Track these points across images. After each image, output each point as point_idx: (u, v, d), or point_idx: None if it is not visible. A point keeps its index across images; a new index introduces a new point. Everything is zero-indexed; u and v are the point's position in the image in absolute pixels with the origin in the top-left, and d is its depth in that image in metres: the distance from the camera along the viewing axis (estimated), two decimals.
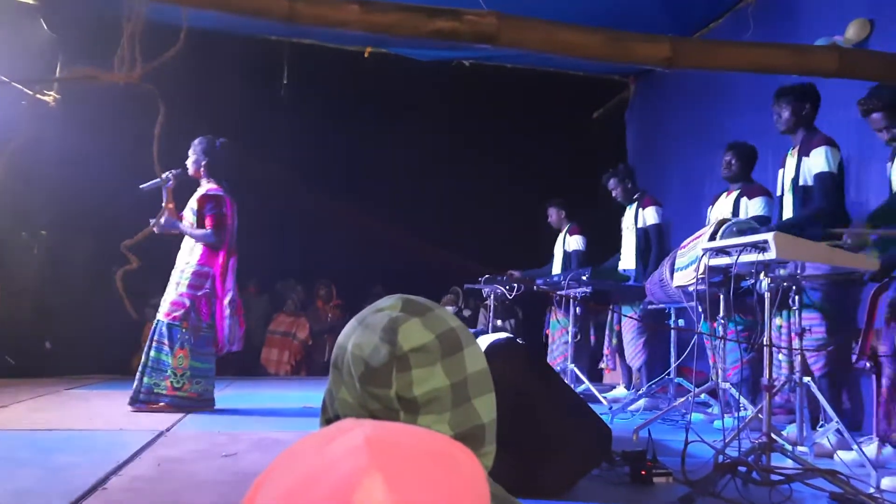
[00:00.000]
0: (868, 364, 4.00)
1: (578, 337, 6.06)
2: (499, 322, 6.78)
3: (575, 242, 6.75)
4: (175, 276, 4.78)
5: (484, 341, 2.84)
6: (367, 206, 8.11)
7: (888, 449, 3.41)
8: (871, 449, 3.39)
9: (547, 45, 2.15)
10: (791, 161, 4.21)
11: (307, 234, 8.14)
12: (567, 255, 6.76)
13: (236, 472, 2.97)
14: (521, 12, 2.15)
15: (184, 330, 4.63)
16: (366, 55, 7.78)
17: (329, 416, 1.05)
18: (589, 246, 6.75)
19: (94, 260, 6.98)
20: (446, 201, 8.38)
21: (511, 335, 3.07)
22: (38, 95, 6.41)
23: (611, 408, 5.03)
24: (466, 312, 8.55)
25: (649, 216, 5.95)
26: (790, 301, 3.45)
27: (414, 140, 8.23)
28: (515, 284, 6.20)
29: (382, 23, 1.91)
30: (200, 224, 4.78)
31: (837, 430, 3.35)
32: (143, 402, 4.58)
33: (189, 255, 4.78)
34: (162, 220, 4.70)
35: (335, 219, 7.92)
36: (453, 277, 8.05)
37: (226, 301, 4.74)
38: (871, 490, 2.78)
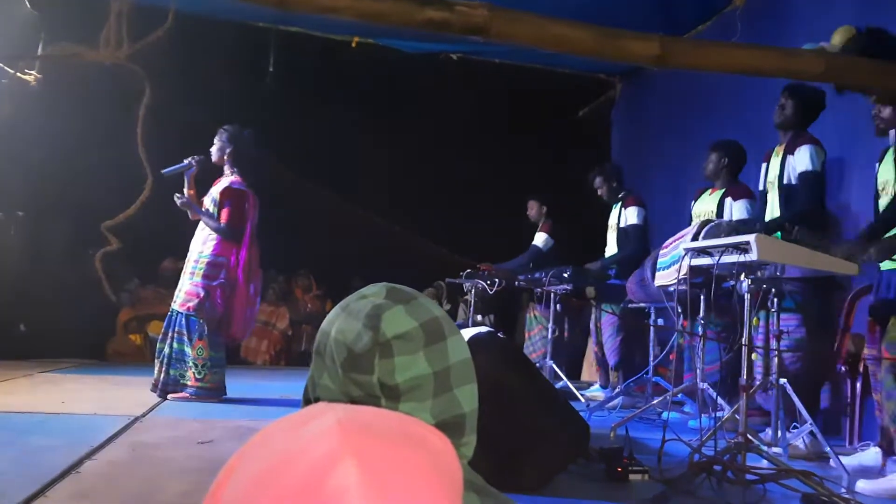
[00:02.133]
0: (844, 367, 4.04)
1: (556, 333, 6.07)
2: (479, 317, 6.78)
3: (540, 239, 6.75)
4: (189, 265, 4.75)
5: (465, 335, 2.83)
6: (350, 197, 8.07)
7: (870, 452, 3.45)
8: (868, 455, 3.41)
9: (537, 39, 2.14)
10: (776, 159, 4.22)
11: (289, 223, 8.09)
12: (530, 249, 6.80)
13: (211, 459, 2.95)
14: (513, 6, 2.15)
15: (201, 321, 4.60)
16: (353, 45, 7.75)
17: (310, 402, 1.04)
18: (561, 246, 6.73)
19: (71, 242, 6.90)
20: (429, 194, 8.35)
21: (492, 329, 3.08)
22: (19, 74, 6.32)
23: (588, 405, 5.05)
24: (446, 306, 8.55)
25: (630, 216, 5.96)
26: (769, 303, 3.48)
27: (399, 132, 8.20)
28: (496, 279, 6.21)
29: (374, 11, 1.89)
30: (218, 215, 4.77)
31: (811, 432, 3.38)
32: (172, 391, 4.59)
33: (202, 244, 4.74)
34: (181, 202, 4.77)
35: (317, 208, 7.88)
36: (435, 271, 8.03)
37: (251, 292, 4.74)
38: (843, 491, 2.81)
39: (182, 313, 4.64)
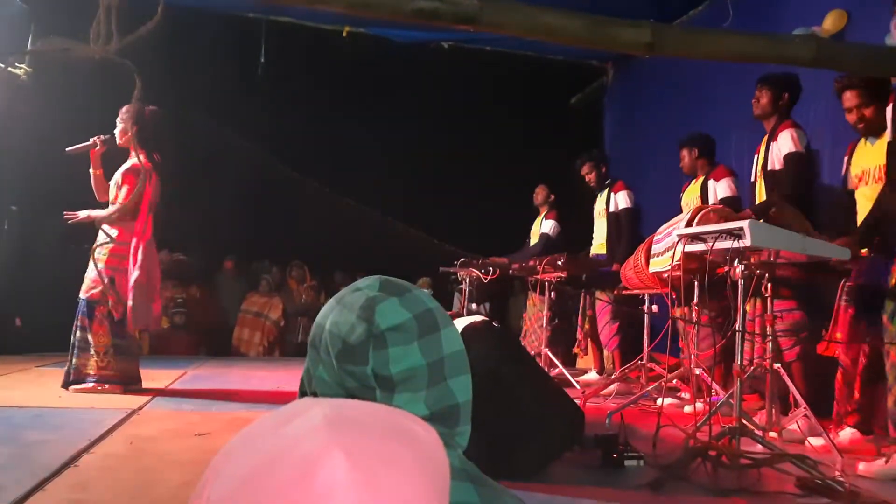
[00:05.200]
0: (837, 351, 4.05)
1: (556, 321, 6.09)
2: (473, 306, 6.79)
3: (548, 226, 6.74)
4: (95, 251, 4.63)
5: (460, 324, 2.84)
6: (343, 187, 8.08)
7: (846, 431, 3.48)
8: (844, 435, 3.44)
9: (528, 28, 2.14)
10: (762, 149, 4.30)
11: (282, 214, 8.09)
12: (540, 237, 6.76)
13: (209, 450, 2.96)
14: None
15: (102, 307, 4.51)
16: (344, 35, 7.72)
17: (306, 395, 1.05)
18: (562, 233, 6.74)
19: (65, 237, 6.88)
20: (421, 183, 8.36)
21: (487, 318, 3.09)
22: (10, 68, 6.29)
23: (584, 392, 5.07)
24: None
25: (621, 200, 5.98)
26: (763, 288, 3.49)
27: (391, 121, 8.20)
28: (491, 268, 6.21)
29: (363, 1, 1.89)
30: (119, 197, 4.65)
31: (805, 416, 3.40)
32: (74, 382, 4.48)
33: (108, 229, 4.64)
34: (80, 215, 4.66)
35: (310, 199, 7.88)
36: (429, 260, 8.05)
37: (132, 279, 4.54)
38: (837, 474, 2.83)
39: (84, 300, 4.55)
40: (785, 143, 4.13)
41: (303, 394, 1.06)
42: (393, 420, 0.79)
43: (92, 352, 4.50)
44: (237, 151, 7.68)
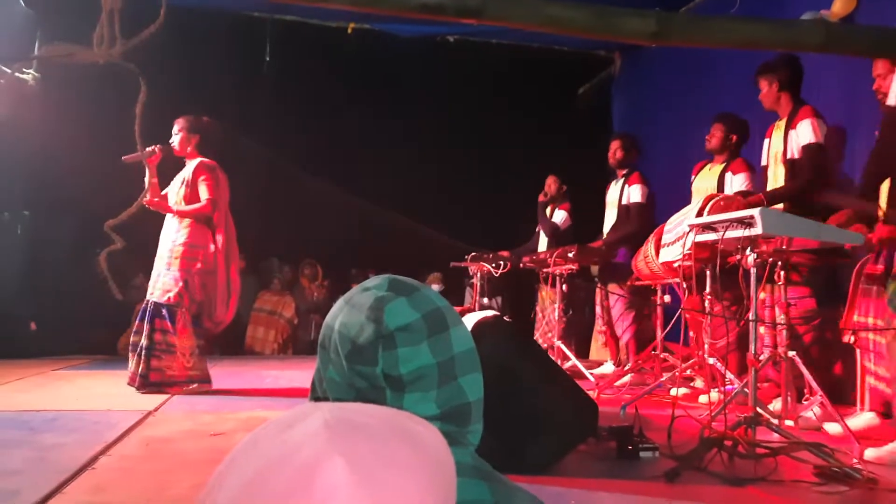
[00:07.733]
0: (851, 337, 4.03)
1: (570, 312, 6.06)
2: (485, 300, 6.78)
3: (559, 217, 6.68)
4: (164, 255, 4.71)
5: (471, 319, 2.84)
6: (352, 185, 8.07)
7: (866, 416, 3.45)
8: (858, 421, 3.41)
9: (533, 20, 2.13)
10: (777, 134, 4.24)
11: (292, 213, 8.10)
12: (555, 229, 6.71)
13: (225, 451, 2.94)
14: None
15: (183, 310, 4.60)
16: (349, 31, 7.72)
17: (318, 396, 1.05)
18: (573, 224, 6.70)
19: (77, 240, 6.92)
20: (430, 178, 8.34)
21: (498, 313, 3.08)
22: (17, 74, 6.32)
23: (597, 384, 5.06)
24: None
25: (634, 194, 5.90)
26: (776, 276, 3.47)
27: (398, 117, 8.18)
28: (502, 262, 6.20)
29: None
30: (194, 196, 4.73)
31: (821, 404, 3.38)
32: (158, 384, 4.54)
33: (175, 233, 4.71)
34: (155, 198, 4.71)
35: (320, 197, 7.88)
36: (440, 256, 8.04)
37: (231, 276, 4.71)
38: (854, 461, 2.81)
39: (162, 304, 4.60)
40: (805, 133, 4.06)
41: (314, 395, 1.06)
42: (395, 422, 0.78)
43: (178, 354, 4.59)
44: (245, 150, 7.69)
